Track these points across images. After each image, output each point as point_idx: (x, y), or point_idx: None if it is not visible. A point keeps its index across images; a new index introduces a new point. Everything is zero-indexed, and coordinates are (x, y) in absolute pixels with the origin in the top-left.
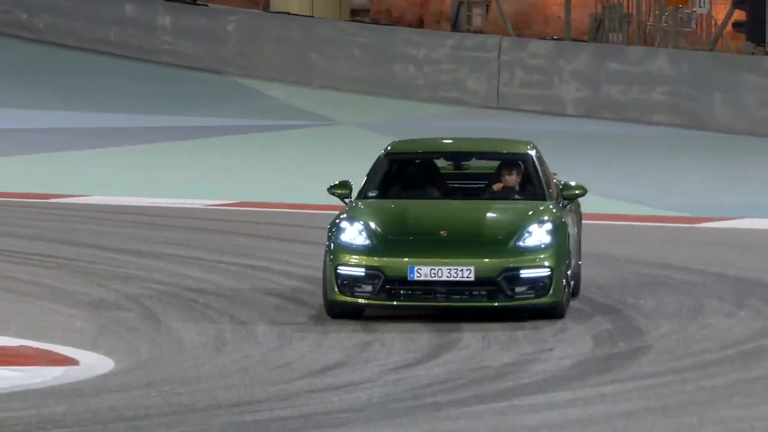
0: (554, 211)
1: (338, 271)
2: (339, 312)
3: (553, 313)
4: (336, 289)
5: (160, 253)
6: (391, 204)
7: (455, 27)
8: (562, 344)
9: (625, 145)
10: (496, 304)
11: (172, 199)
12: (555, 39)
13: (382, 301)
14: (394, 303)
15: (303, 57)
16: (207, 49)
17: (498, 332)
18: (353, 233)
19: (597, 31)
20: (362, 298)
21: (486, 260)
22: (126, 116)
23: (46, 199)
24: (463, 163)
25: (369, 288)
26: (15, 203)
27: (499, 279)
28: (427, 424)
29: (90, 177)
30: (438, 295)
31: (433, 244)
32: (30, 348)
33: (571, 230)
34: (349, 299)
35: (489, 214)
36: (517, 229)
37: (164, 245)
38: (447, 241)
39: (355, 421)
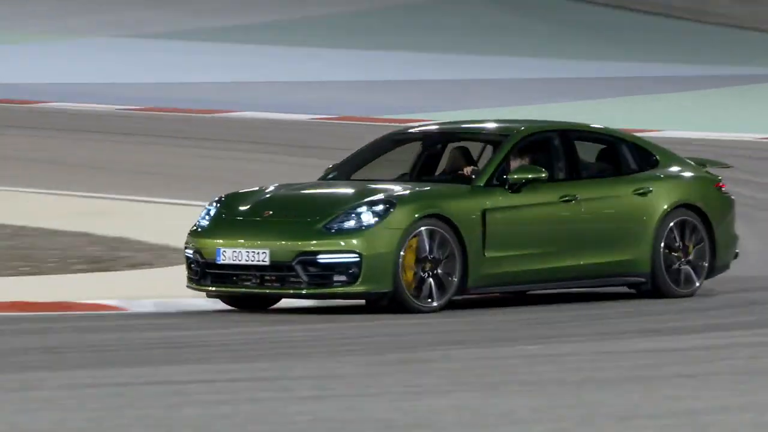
0: (411, 192)
1: (185, 253)
2: (233, 303)
3: (391, 305)
4: (186, 274)
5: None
6: (288, 184)
7: None
8: None
9: None
10: (303, 291)
11: (731, 133)
12: None
13: (206, 287)
14: (212, 289)
15: None
16: (752, 12)
17: None
18: (208, 213)
19: None
20: (194, 283)
21: (282, 243)
22: (688, 67)
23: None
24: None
25: (197, 272)
26: None
27: (294, 263)
28: None
29: (661, 115)
30: (253, 280)
31: (247, 225)
32: None
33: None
34: (194, 287)
35: (334, 195)
36: (343, 210)
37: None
38: (264, 222)
39: None
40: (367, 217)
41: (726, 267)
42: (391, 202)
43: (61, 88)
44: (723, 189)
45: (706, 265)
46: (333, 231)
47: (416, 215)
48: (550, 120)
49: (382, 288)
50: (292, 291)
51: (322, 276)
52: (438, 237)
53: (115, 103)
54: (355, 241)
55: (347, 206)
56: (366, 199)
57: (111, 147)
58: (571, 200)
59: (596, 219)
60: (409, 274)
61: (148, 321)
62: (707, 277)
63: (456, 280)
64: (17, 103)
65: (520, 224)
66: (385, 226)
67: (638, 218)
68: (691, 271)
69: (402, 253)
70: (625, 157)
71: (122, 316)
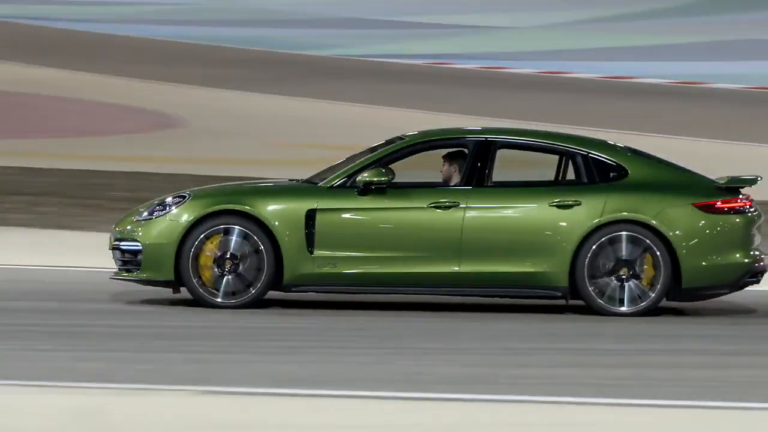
0: (213, 188)
1: None
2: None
3: (175, 289)
4: None
5: None
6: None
7: None
8: None
9: None
10: (115, 276)
11: None
12: None
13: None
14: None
15: None
16: None
17: None
18: None
19: None
20: None
21: (113, 229)
22: None
23: None
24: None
25: None
26: None
27: (111, 249)
28: None
29: None
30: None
31: (126, 214)
32: None
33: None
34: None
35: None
36: (159, 201)
37: None
38: (128, 211)
39: None
40: (165, 209)
41: (712, 290)
42: (185, 195)
43: None
44: (719, 206)
45: (659, 285)
46: (138, 220)
47: (204, 210)
48: (503, 127)
49: (161, 277)
50: (113, 275)
51: (131, 262)
52: (239, 233)
53: None
54: (138, 231)
55: (164, 197)
56: (177, 193)
57: None
58: (450, 207)
59: (486, 228)
60: (207, 270)
61: None
62: (675, 299)
63: (264, 277)
64: None
65: (361, 226)
66: (169, 217)
67: (552, 230)
68: (636, 290)
69: (195, 246)
70: (578, 167)
71: None
